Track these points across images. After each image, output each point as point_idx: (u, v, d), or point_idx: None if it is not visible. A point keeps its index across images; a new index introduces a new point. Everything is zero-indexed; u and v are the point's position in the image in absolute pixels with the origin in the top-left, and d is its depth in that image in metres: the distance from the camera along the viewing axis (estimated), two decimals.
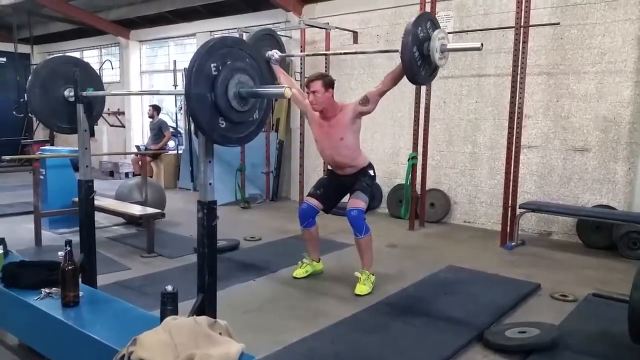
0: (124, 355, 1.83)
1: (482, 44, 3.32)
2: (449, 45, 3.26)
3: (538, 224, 5.93)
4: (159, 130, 9.09)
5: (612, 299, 3.57)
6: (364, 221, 3.88)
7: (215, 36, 9.21)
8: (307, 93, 3.85)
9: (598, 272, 4.56)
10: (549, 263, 4.84)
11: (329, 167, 4.29)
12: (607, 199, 5.48)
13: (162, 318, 2.00)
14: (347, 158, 3.95)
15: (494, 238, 5.57)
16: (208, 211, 2.24)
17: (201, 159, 2.23)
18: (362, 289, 3.85)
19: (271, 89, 2.09)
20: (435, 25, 3.27)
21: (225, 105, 2.04)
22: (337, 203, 4.24)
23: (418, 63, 3.21)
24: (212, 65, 2.00)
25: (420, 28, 3.17)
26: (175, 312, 2.07)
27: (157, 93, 10.94)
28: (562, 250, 5.27)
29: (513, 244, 5.35)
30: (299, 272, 4.22)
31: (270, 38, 4.17)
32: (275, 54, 4.04)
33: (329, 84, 3.83)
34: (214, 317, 2.24)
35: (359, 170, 4.00)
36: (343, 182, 4.07)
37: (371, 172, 4.03)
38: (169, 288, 2.06)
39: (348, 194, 4.05)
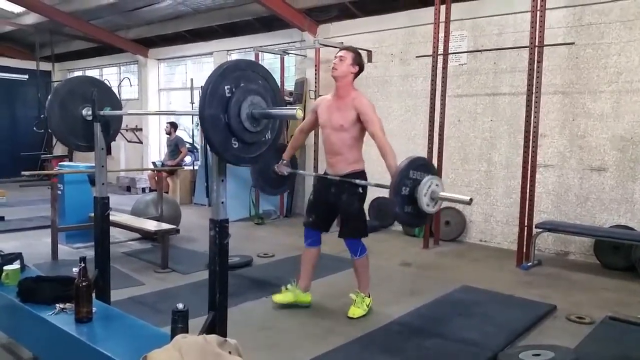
0: None
1: (471, 199, 3.20)
2: (440, 194, 3.14)
3: (555, 243, 5.86)
4: (175, 147, 9.21)
5: (630, 322, 3.50)
6: (360, 242, 3.80)
7: (232, 55, 9.39)
8: (335, 57, 3.71)
9: (616, 293, 4.48)
10: (565, 284, 4.76)
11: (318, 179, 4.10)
12: (625, 219, 5.40)
13: (172, 336, 2.01)
14: (342, 143, 3.72)
15: (510, 258, 5.51)
16: (220, 229, 2.26)
17: (214, 178, 2.26)
18: (355, 311, 3.74)
19: (283, 111, 2.12)
20: (429, 171, 3.20)
21: (238, 126, 2.06)
22: (333, 220, 4.05)
23: (405, 209, 3.11)
24: (225, 87, 2.03)
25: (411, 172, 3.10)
26: (185, 330, 2.07)
27: (172, 113, 11.12)
28: (580, 271, 5.19)
29: (529, 264, 5.28)
30: (278, 297, 3.96)
31: (278, 151, 4.00)
32: (284, 171, 3.97)
33: (358, 63, 3.71)
34: (225, 335, 2.25)
35: (348, 173, 3.73)
36: (332, 197, 3.82)
37: (360, 189, 3.74)
38: (180, 306, 2.08)
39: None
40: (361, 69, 3.77)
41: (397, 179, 3.07)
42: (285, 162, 3.99)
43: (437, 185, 3.14)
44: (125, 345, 2.14)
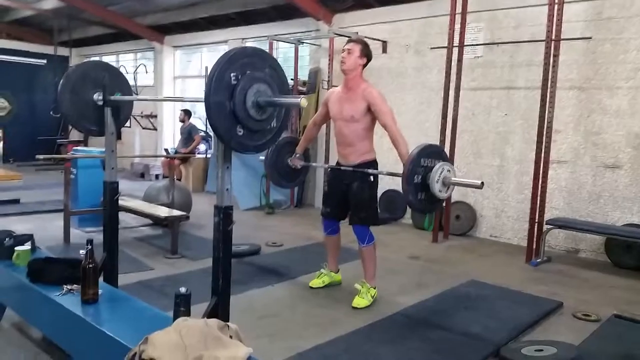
0: (135, 354, 1.88)
1: (482, 183, 3.30)
2: (452, 179, 3.23)
3: (566, 241, 5.80)
4: (189, 134, 9.27)
5: (635, 321, 3.47)
6: (368, 230, 3.83)
7: (247, 43, 9.39)
8: (343, 49, 3.75)
9: (626, 292, 4.43)
10: (574, 281, 4.72)
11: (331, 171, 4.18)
12: (638, 217, 5.33)
13: (174, 319, 2.05)
14: (353, 134, 3.77)
15: (519, 254, 5.47)
16: (224, 216, 2.29)
17: (219, 165, 2.27)
18: (359, 301, 3.77)
19: (288, 99, 2.13)
20: (441, 157, 3.28)
21: (243, 114, 2.08)
22: (349, 208, 4.03)
23: (418, 195, 3.20)
24: (231, 74, 2.05)
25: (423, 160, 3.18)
26: (187, 313, 2.11)
27: (180, 100, 11.18)
28: (590, 269, 5.14)
29: (539, 260, 5.24)
30: (316, 282, 4.19)
31: (289, 144, 4.13)
32: (298, 164, 4.05)
33: (366, 54, 3.74)
34: (227, 320, 2.28)
35: (360, 164, 3.78)
36: (345, 187, 3.88)
37: (371, 178, 3.80)
38: (183, 290, 2.11)
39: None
40: (369, 59, 3.80)
41: (409, 167, 3.13)
42: (298, 155, 4.08)
43: (448, 171, 3.22)
44: (129, 327, 2.18)
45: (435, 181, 3.15)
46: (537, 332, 3.49)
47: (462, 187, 4.49)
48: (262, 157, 4.08)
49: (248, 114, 2.10)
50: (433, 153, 3.27)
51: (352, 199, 3.86)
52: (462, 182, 3.61)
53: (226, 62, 2.07)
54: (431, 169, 3.17)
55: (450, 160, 5.89)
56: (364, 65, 3.77)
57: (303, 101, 2.03)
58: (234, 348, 1.92)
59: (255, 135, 2.19)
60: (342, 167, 3.88)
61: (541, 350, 3.01)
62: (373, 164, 3.85)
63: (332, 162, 4.17)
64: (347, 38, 7.12)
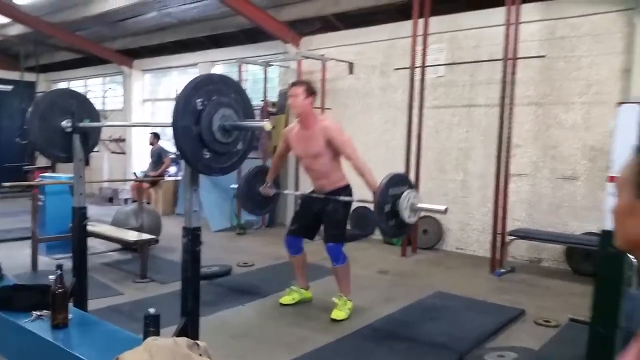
0: None
1: (446, 208, 3.64)
2: (419, 205, 3.50)
3: (528, 251, 6.01)
4: (158, 157, 9.26)
5: (587, 323, 3.62)
6: (341, 251, 3.97)
7: (217, 66, 9.50)
8: (289, 96, 3.93)
9: (585, 298, 4.55)
10: (536, 290, 4.90)
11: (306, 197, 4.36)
12: (595, 226, 5.56)
13: (144, 339, 2.09)
14: (323, 167, 3.94)
15: (484, 265, 5.65)
16: (192, 237, 2.36)
17: (187, 187, 2.35)
18: (338, 314, 3.92)
19: (252, 123, 2.23)
20: (409, 186, 3.55)
21: (209, 138, 2.16)
22: (318, 229, 4.27)
23: (388, 221, 3.43)
24: (197, 100, 2.14)
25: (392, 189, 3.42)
26: (157, 333, 2.16)
27: (148, 125, 11.17)
28: (551, 277, 5.34)
29: (502, 270, 5.42)
30: (286, 299, 4.27)
31: (259, 174, 4.30)
32: (270, 193, 4.22)
33: (311, 91, 3.89)
34: (196, 339, 2.33)
35: (333, 190, 3.96)
36: (317, 208, 4.05)
37: (345, 198, 3.94)
38: (152, 311, 2.16)
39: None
40: (315, 94, 3.97)
41: (379, 198, 3.35)
42: (269, 184, 4.24)
43: (414, 197, 3.45)
44: (99, 349, 2.21)
45: (404, 208, 3.38)
46: (500, 339, 3.64)
47: (428, 212, 4.73)
48: (234, 186, 4.22)
49: (214, 138, 2.19)
50: (399, 182, 3.50)
51: (326, 219, 4.02)
52: (428, 208, 3.89)
53: (192, 88, 2.16)
54: (399, 196, 3.39)
55: (415, 176, 6.12)
56: (313, 102, 3.93)
57: (267, 125, 2.14)
58: None
59: (221, 158, 2.28)
60: (314, 195, 4.08)
61: (502, 356, 3.14)
62: (347, 188, 4.02)
63: (303, 188, 4.34)
64: (315, 60, 7.35)
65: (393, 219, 3.42)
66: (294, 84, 3.98)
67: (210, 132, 2.19)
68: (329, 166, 3.93)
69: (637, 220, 0.87)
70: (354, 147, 3.85)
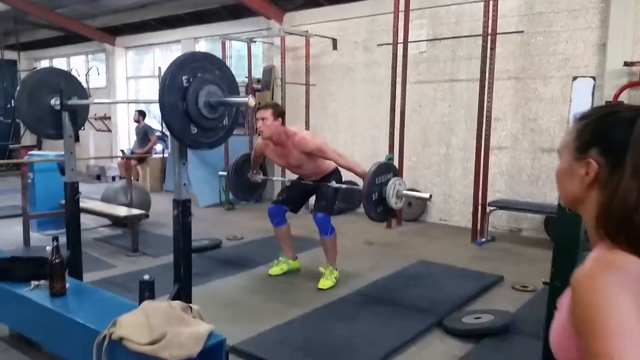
0: (105, 336, 2.06)
1: (430, 195, 3.95)
2: (404, 192, 3.70)
3: (509, 221, 6.22)
4: (144, 135, 9.28)
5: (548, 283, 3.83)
6: (329, 223, 4.13)
7: (199, 42, 9.47)
8: (256, 119, 3.99)
9: None
10: (515, 258, 5.11)
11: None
12: None
13: (140, 303, 2.23)
14: (308, 171, 4.16)
15: (466, 235, 5.84)
16: (183, 209, 2.48)
17: (175, 161, 2.46)
18: (325, 283, 4.10)
19: (237, 99, 2.33)
20: (393, 173, 3.74)
21: (196, 113, 2.27)
22: (303, 204, 4.52)
23: (375, 206, 3.63)
24: (183, 77, 2.24)
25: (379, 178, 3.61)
26: (152, 298, 2.30)
27: (135, 101, 11.16)
28: (530, 246, 5.55)
29: (483, 240, 5.62)
30: (275, 269, 4.43)
31: (247, 162, 4.43)
32: (258, 179, 4.39)
33: (279, 113, 3.93)
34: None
35: (323, 177, 4.18)
36: (307, 187, 4.29)
37: (334, 182, 4.12)
38: (146, 277, 2.30)
39: (314, 195, 4.29)
40: (284, 115, 4.01)
41: (367, 189, 3.54)
42: (255, 171, 4.41)
43: (399, 184, 3.66)
44: (97, 314, 2.34)
45: (390, 196, 3.58)
46: (478, 303, 3.83)
47: (413, 199, 4.94)
48: (223, 173, 4.47)
49: (200, 114, 2.29)
50: (385, 170, 3.69)
51: (317, 193, 4.22)
52: (413, 195, 4.28)
53: (177, 66, 2.25)
54: (386, 184, 3.60)
55: (399, 150, 6.26)
56: (282, 121, 3.97)
57: (251, 100, 2.25)
58: (196, 325, 2.12)
59: (208, 133, 2.39)
60: (303, 182, 4.27)
61: (479, 318, 3.33)
62: (336, 172, 4.21)
63: (290, 173, 4.53)
64: (299, 36, 7.38)
65: (381, 206, 3.64)
66: (260, 107, 3.99)
67: (196, 108, 2.29)
68: (313, 167, 4.12)
69: (575, 179, 1.00)
70: (331, 147, 4.00)
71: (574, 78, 2.57)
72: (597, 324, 0.83)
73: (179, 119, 2.25)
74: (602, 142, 0.96)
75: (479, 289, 4.04)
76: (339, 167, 4.20)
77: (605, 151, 0.95)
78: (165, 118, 2.24)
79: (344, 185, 4.21)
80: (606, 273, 0.87)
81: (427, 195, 3.95)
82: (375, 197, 3.59)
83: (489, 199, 5.78)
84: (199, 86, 2.27)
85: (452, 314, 3.49)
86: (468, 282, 4.20)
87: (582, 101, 2.42)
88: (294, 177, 4.47)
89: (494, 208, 5.65)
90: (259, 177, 4.43)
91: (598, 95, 5.49)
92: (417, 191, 6.74)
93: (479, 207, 5.67)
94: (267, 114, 3.87)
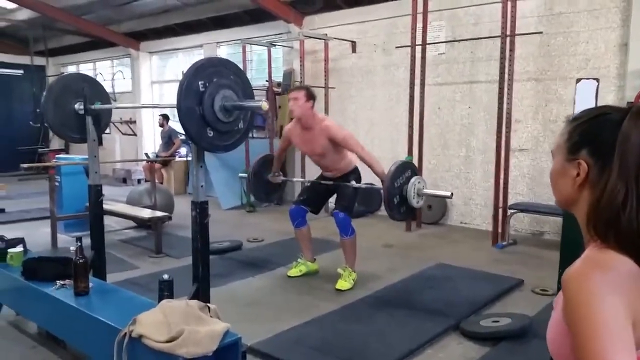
0: (125, 334, 2.13)
1: (452, 194, 3.93)
2: (425, 191, 3.75)
3: (531, 224, 6.15)
4: (169, 138, 9.46)
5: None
6: (350, 223, 4.17)
7: (221, 46, 9.61)
8: (289, 100, 4.10)
9: None
10: (536, 261, 5.06)
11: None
12: None
13: (159, 302, 2.30)
14: (331, 162, 4.20)
15: (487, 238, 5.80)
16: (200, 210, 2.55)
17: (194, 164, 2.53)
18: (342, 284, 4.12)
19: (251, 103, 2.39)
20: (414, 172, 3.78)
21: (212, 117, 2.34)
22: (323, 204, 4.56)
23: (397, 205, 3.66)
24: (200, 82, 2.31)
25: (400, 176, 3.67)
26: (171, 297, 2.37)
27: (155, 106, 11.38)
28: (552, 249, 5.46)
29: (504, 243, 5.58)
30: (293, 271, 4.48)
31: (268, 163, 4.57)
32: (278, 180, 4.49)
33: (310, 95, 4.05)
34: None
35: (342, 175, 4.23)
36: (327, 187, 4.33)
37: (354, 182, 4.18)
38: (165, 277, 2.37)
39: (335, 195, 4.34)
40: (315, 99, 4.12)
41: (387, 194, 3.59)
42: (277, 173, 4.51)
43: (419, 182, 3.70)
44: (119, 312, 2.43)
45: (411, 195, 3.63)
46: (497, 307, 3.81)
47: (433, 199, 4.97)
48: (243, 175, 4.63)
49: (216, 117, 2.36)
50: (406, 169, 3.73)
51: (338, 192, 4.27)
52: (434, 194, 4.30)
53: (194, 71, 2.33)
54: (407, 183, 3.64)
55: (419, 153, 6.26)
56: (313, 105, 4.08)
57: (264, 104, 2.31)
58: (213, 324, 2.18)
59: (224, 136, 2.46)
60: (322, 182, 4.32)
61: (497, 321, 3.32)
62: (355, 171, 4.29)
63: (309, 174, 4.60)
64: (318, 40, 7.44)
65: (402, 205, 3.68)
66: (293, 89, 4.15)
67: (212, 112, 2.36)
68: (336, 159, 4.17)
69: (567, 180, 1.02)
70: (356, 140, 4.07)
71: (578, 80, 2.57)
72: (586, 324, 0.85)
73: (195, 122, 2.32)
74: (591, 143, 0.98)
75: (498, 293, 4.02)
76: (357, 168, 4.27)
77: (594, 152, 0.98)
78: (182, 122, 2.31)
79: (363, 185, 4.25)
80: (595, 273, 0.89)
81: (448, 194, 3.92)
82: (397, 200, 3.63)
83: (510, 201, 5.74)
84: (214, 91, 2.34)
85: (469, 317, 3.48)
86: (487, 285, 4.18)
87: (586, 103, 2.41)
88: (313, 177, 4.53)
89: (515, 211, 5.61)
90: (279, 179, 4.51)
91: (619, 96, 5.42)
92: (438, 194, 6.76)
93: (500, 210, 5.63)
94: (300, 94, 4.01)
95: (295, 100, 4.00)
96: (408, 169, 3.75)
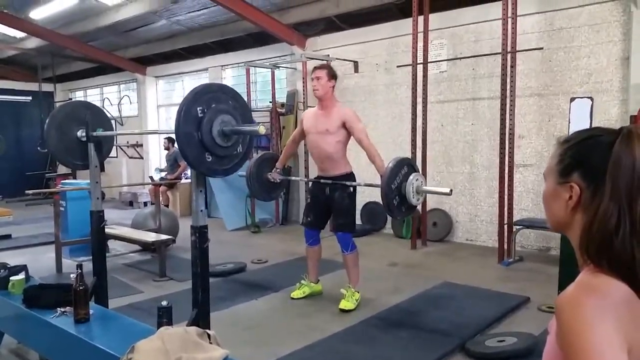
0: None
1: (451, 190, 3.83)
2: (424, 188, 3.74)
3: (537, 240, 6.10)
4: (174, 161, 9.52)
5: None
6: (351, 239, 4.15)
7: (226, 70, 9.72)
8: (312, 78, 4.11)
9: None
10: (543, 277, 5.00)
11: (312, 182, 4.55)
12: None
13: (157, 329, 2.29)
14: (328, 147, 4.10)
15: (493, 255, 5.75)
16: (200, 235, 2.54)
17: (193, 189, 2.54)
18: (345, 304, 4.08)
19: (248, 127, 2.40)
20: (413, 169, 3.77)
21: (210, 142, 2.35)
22: (328, 219, 4.51)
23: (395, 202, 3.64)
24: (198, 108, 2.32)
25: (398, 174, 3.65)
26: (169, 324, 2.35)
27: (155, 132, 11.49)
28: (558, 265, 5.41)
29: (510, 260, 5.53)
30: (297, 292, 4.44)
31: (269, 160, 4.52)
32: (277, 178, 4.41)
33: (333, 75, 4.11)
34: (207, 329, 2.52)
35: (338, 175, 4.15)
36: (326, 198, 4.23)
37: (351, 189, 4.15)
38: (164, 303, 2.36)
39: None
40: (336, 79, 4.18)
41: (385, 191, 3.56)
42: (278, 170, 4.43)
43: (417, 180, 3.67)
44: (118, 340, 2.40)
45: (410, 192, 3.60)
46: (503, 326, 3.76)
47: (433, 194, 4.91)
48: (242, 174, 4.40)
49: (215, 142, 2.37)
50: (405, 165, 3.72)
51: (334, 207, 4.22)
52: (433, 190, 4.22)
53: (192, 97, 2.34)
54: (406, 179, 3.61)
55: (422, 170, 6.23)
56: (334, 85, 4.14)
57: (261, 128, 2.31)
58: (211, 351, 2.16)
59: (223, 161, 2.46)
60: (322, 181, 4.25)
61: (503, 340, 3.28)
62: (351, 176, 4.23)
63: (312, 176, 4.54)
64: (320, 61, 7.50)
65: (400, 203, 3.63)
66: (316, 67, 4.15)
67: (210, 137, 2.36)
68: (334, 146, 4.09)
69: (560, 203, 1.01)
70: (367, 133, 4.08)
71: (572, 99, 2.56)
72: (578, 350, 0.84)
73: (194, 147, 2.33)
74: (582, 166, 0.97)
75: (504, 311, 3.96)
76: (353, 174, 4.25)
77: (586, 175, 0.97)
78: (181, 147, 2.32)
79: (354, 183, 4.19)
80: (588, 299, 0.88)
81: (447, 190, 3.82)
82: (397, 200, 3.59)
83: (515, 217, 5.70)
84: (213, 116, 2.35)
85: (475, 337, 3.44)
86: (493, 304, 4.13)
87: (580, 122, 2.41)
88: (312, 177, 4.49)
89: (521, 227, 5.57)
90: (279, 177, 4.43)
91: (623, 109, 5.40)
92: (443, 210, 6.73)
93: (505, 226, 5.59)
94: (322, 73, 4.05)
95: (318, 80, 4.04)
96: (410, 166, 3.75)
